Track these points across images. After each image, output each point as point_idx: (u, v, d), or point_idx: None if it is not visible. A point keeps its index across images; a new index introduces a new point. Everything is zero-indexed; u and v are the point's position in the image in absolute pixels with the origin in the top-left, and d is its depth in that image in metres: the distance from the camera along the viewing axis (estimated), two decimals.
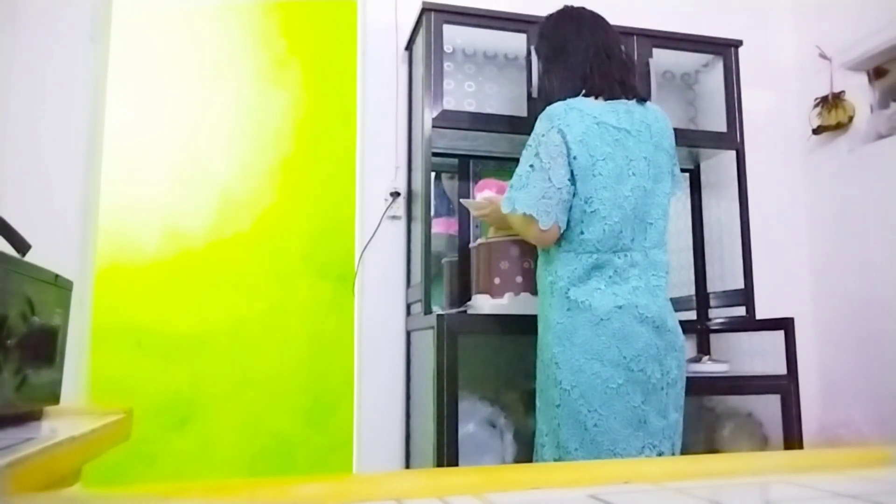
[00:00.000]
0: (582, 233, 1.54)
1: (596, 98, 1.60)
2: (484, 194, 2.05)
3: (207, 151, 2.39)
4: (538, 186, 1.52)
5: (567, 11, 1.73)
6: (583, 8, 1.73)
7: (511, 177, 1.64)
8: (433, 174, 2.37)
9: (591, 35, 1.66)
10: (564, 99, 1.59)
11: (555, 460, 1.50)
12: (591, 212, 1.53)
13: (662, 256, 1.61)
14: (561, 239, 1.57)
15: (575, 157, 1.52)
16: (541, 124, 1.58)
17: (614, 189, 1.53)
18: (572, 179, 1.53)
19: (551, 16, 1.76)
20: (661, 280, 1.59)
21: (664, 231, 1.63)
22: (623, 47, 1.72)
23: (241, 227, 2.38)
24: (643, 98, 1.66)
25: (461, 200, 2.12)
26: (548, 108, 1.59)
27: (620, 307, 1.51)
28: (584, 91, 1.60)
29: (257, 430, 2.28)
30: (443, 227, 2.41)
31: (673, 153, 1.67)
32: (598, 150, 1.53)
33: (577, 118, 1.54)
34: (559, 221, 1.53)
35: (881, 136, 2.48)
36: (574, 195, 1.54)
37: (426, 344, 1.95)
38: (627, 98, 1.63)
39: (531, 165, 1.55)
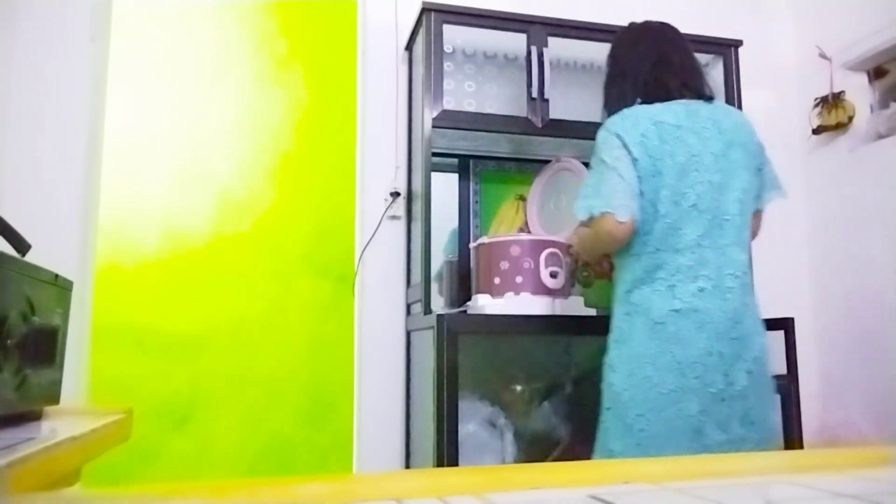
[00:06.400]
0: (645, 233, 1.53)
1: (651, 104, 1.60)
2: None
3: (207, 151, 2.39)
4: (609, 185, 1.51)
5: (629, 27, 1.78)
6: (647, 22, 1.76)
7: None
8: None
9: (647, 47, 1.68)
10: (620, 110, 1.61)
11: None
12: (654, 211, 1.52)
13: (740, 255, 1.55)
14: (628, 243, 1.55)
15: (636, 160, 1.52)
16: (598, 135, 1.60)
17: (673, 187, 1.52)
18: (639, 179, 1.52)
19: (616, 33, 1.80)
20: (736, 281, 1.52)
21: (742, 227, 1.57)
22: (688, 52, 1.71)
23: (241, 227, 2.37)
24: (709, 97, 1.65)
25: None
26: (605, 121, 1.62)
27: (678, 311, 1.47)
28: (639, 100, 1.62)
29: (257, 430, 2.27)
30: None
31: (755, 150, 1.62)
32: (658, 149, 1.52)
33: (632, 123, 1.55)
34: (635, 214, 1.50)
35: (881, 136, 2.48)
36: (641, 195, 1.52)
37: (426, 344, 1.95)
38: (689, 98, 1.61)
39: (598, 172, 1.55)
